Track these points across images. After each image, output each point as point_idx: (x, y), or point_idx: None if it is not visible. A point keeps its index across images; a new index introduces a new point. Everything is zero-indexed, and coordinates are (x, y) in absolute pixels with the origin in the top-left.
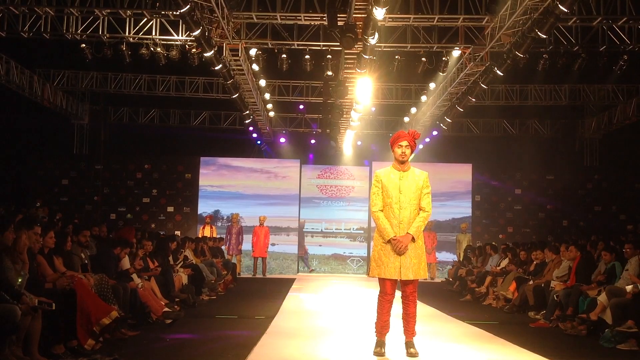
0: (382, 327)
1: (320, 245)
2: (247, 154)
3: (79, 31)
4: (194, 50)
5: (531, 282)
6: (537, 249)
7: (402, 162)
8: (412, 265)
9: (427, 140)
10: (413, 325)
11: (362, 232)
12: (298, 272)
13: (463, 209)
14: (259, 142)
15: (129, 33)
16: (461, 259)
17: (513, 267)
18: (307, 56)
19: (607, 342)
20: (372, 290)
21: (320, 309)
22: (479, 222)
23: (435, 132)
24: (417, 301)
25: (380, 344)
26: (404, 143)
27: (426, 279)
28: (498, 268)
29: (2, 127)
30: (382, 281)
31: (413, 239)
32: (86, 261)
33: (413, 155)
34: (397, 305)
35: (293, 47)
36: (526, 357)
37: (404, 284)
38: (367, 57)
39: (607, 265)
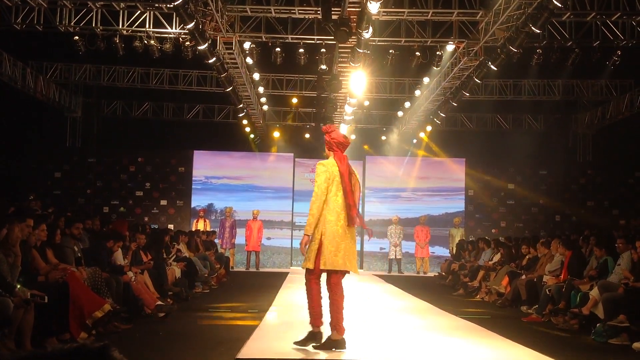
0: (315, 312)
1: None
2: (240, 147)
3: (72, 23)
4: (187, 43)
5: (524, 277)
6: (527, 243)
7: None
8: (350, 258)
9: (422, 135)
10: (341, 320)
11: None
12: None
13: (456, 203)
14: (252, 135)
15: (123, 25)
16: (454, 253)
17: (499, 267)
18: (301, 50)
19: (599, 336)
20: (365, 284)
21: None
22: (472, 217)
23: (429, 128)
24: (410, 295)
25: (312, 337)
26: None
27: (350, 273)
28: (490, 262)
29: None
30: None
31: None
32: (79, 254)
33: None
34: (391, 300)
35: (287, 40)
36: (518, 351)
37: (328, 274)
38: (361, 51)
39: (599, 261)
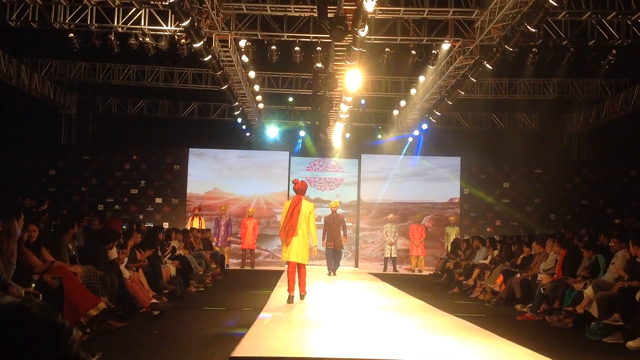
0: (289, 284)
1: None
2: (236, 145)
3: (67, 20)
4: (183, 40)
5: (518, 275)
6: (521, 242)
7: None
8: (296, 253)
9: (416, 133)
10: (302, 285)
11: (350, 224)
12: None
13: (451, 202)
14: (247, 133)
15: (118, 23)
16: (449, 252)
17: (493, 265)
18: (296, 48)
19: (593, 335)
20: (360, 282)
21: (308, 300)
22: (467, 216)
23: (425, 126)
24: (405, 293)
25: (289, 298)
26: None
27: (306, 264)
28: (485, 261)
29: None
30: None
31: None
32: (74, 252)
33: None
34: (386, 299)
35: (283, 38)
36: (512, 350)
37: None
38: (356, 49)
39: (589, 260)
